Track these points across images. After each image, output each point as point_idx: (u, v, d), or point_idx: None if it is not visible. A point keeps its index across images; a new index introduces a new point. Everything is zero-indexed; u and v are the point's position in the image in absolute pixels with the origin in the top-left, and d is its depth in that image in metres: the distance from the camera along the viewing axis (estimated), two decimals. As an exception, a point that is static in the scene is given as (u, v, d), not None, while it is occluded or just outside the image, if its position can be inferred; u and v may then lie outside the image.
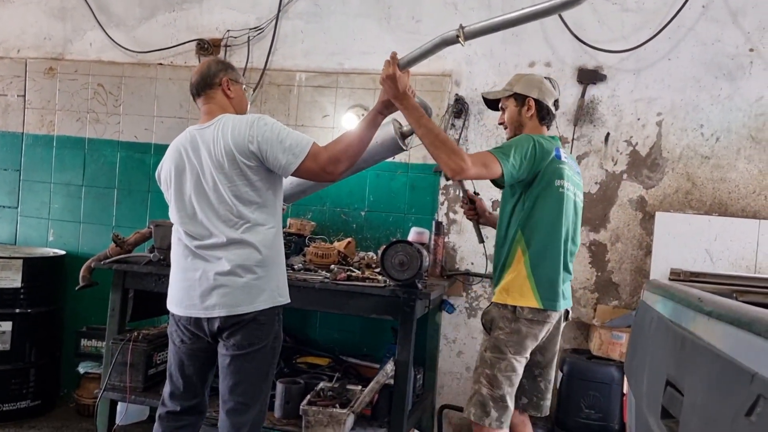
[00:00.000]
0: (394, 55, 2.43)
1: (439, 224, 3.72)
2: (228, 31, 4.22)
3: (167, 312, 2.59)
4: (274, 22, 4.17)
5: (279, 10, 4.16)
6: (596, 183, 3.78)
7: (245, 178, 2.41)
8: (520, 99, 2.74)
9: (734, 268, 3.51)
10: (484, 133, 3.91)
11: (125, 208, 4.44)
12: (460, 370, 3.94)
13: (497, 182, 2.55)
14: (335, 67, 4.12)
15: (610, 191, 3.76)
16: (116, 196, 4.45)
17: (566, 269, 2.71)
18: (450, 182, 3.88)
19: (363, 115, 3.97)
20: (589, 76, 3.74)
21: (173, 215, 2.55)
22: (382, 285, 3.12)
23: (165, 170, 2.58)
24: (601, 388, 3.44)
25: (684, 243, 3.55)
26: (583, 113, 3.75)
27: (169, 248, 3.23)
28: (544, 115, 2.75)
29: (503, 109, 2.81)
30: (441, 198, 3.97)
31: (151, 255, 3.22)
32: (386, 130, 2.71)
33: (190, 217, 2.48)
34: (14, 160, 4.61)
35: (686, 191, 3.67)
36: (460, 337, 3.95)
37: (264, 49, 4.20)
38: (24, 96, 4.59)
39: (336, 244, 3.65)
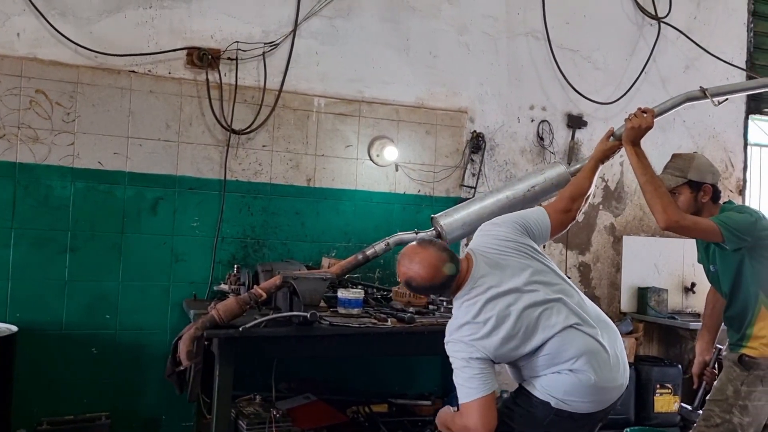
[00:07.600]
0: (651, 110, 2.68)
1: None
2: (237, 42, 3.57)
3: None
4: (290, 38, 3.70)
5: (296, 25, 3.71)
6: (582, 213, 4.41)
7: (540, 253, 2.37)
8: (696, 186, 2.68)
9: (671, 278, 4.57)
10: (496, 168, 4.19)
11: (85, 257, 3.35)
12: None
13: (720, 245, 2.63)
14: (355, 94, 3.87)
15: (591, 220, 4.43)
16: (69, 241, 3.32)
17: None
18: None
19: (389, 147, 3.89)
20: (575, 122, 4.36)
21: None
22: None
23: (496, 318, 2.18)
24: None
25: (641, 259, 4.49)
26: (573, 153, 4.35)
27: (318, 305, 2.78)
28: (718, 195, 2.73)
29: (674, 194, 2.68)
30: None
31: (308, 314, 2.65)
32: (559, 170, 3.03)
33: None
34: None
35: (639, 218, 4.57)
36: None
37: (275, 68, 3.69)
38: None
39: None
